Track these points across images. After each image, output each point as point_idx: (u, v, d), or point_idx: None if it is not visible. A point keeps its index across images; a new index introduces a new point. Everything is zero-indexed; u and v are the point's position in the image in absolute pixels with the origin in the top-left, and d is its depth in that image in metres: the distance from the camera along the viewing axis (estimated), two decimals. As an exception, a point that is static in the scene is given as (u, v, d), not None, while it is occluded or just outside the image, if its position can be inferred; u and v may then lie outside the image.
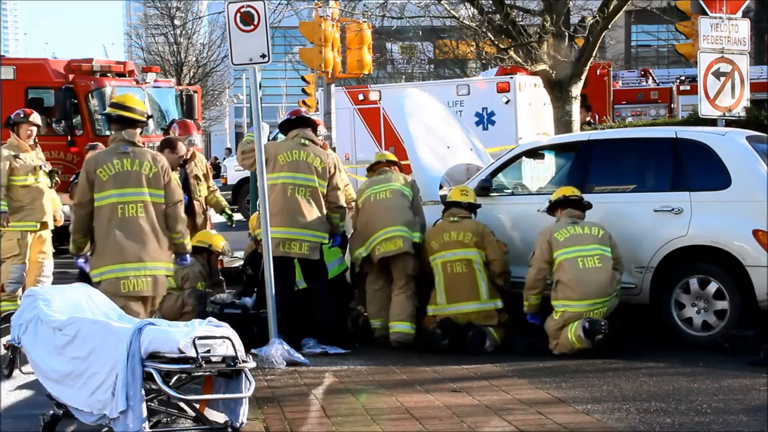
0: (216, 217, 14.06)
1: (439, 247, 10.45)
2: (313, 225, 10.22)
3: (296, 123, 10.61)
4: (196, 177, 11.97)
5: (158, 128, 20.15)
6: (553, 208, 10.19)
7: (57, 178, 12.81)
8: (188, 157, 11.91)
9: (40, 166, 12.30)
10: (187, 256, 9.02)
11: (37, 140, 12.65)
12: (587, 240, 9.81)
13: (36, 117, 12.50)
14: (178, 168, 11.64)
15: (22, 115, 12.33)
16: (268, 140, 12.98)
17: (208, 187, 12.09)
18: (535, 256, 10.00)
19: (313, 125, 10.67)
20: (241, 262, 12.72)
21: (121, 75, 20.08)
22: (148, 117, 8.97)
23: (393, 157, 11.35)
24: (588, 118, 19.65)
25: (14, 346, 7.45)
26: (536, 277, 9.96)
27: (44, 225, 12.23)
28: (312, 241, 10.23)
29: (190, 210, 11.45)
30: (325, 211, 10.35)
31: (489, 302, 10.27)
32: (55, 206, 12.79)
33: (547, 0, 16.24)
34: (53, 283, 11.95)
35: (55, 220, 12.54)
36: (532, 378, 8.78)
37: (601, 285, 9.66)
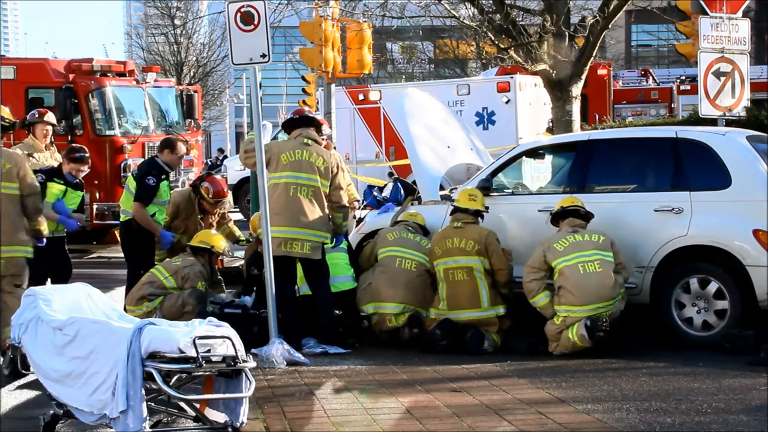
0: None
1: (442, 254, 10.44)
2: (315, 225, 10.20)
3: (299, 122, 10.58)
4: (210, 225, 11.82)
5: (159, 128, 20.16)
6: (555, 219, 10.18)
7: None
8: (215, 214, 11.80)
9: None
10: (44, 239, 10.02)
11: (53, 140, 12.70)
12: (586, 246, 9.79)
13: (51, 116, 12.57)
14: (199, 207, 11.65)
15: (37, 116, 12.42)
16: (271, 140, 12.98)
17: (219, 221, 12.00)
18: (528, 261, 10.00)
19: (317, 125, 10.62)
20: (242, 262, 12.71)
21: (121, 75, 20.09)
22: (12, 123, 10.20)
23: (423, 221, 11.24)
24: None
25: (14, 346, 7.46)
26: (526, 280, 9.96)
27: None
28: (314, 241, 10.21)
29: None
30: (327, 210, 10.33)
31: (490, 310, 10.26)
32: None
33: (547, 0, 16.26)
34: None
35: None
36: (533, 378, 8.78)
37: (603, 289, 9.64)
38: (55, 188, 10.94)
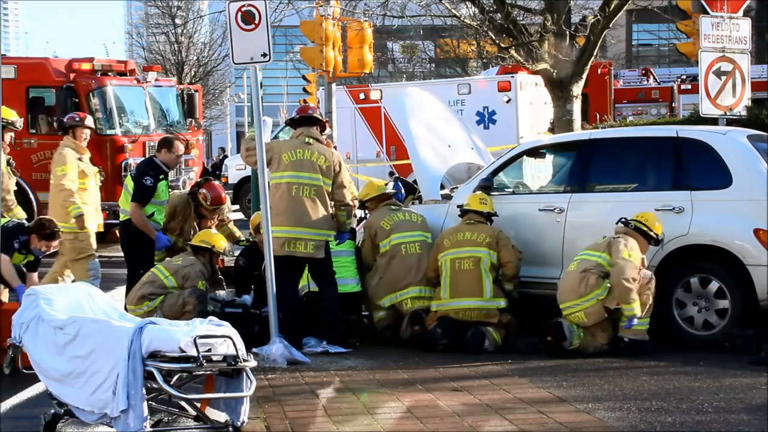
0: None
1: (451, 245, 10.44)
2: (318, 224, 10.18)
3: (300, 121, 10.57)
4: (209, 227, 11.75)
5: (159, 127, 20.17)
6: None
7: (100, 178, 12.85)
8: (214, 219, 11.74)
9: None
10: None
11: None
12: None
13: (90, 120, 12.45)
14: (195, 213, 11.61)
15: (77, 119, 12.20)
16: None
17: (221, 221, 11.95)
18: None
19: (320, 124, 10.60)
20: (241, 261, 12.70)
21: (122, 74, 20.08)
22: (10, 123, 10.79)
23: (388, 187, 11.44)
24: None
25: (15, 345, 7.46)
26: None
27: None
28: (317, 240, 10.19)
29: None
30: (330, 209, 10.31)
31: (492, 301, 10.24)
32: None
33: (548, -1, 16.26)
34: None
35: None
36: (533, 377, 8.78)
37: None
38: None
